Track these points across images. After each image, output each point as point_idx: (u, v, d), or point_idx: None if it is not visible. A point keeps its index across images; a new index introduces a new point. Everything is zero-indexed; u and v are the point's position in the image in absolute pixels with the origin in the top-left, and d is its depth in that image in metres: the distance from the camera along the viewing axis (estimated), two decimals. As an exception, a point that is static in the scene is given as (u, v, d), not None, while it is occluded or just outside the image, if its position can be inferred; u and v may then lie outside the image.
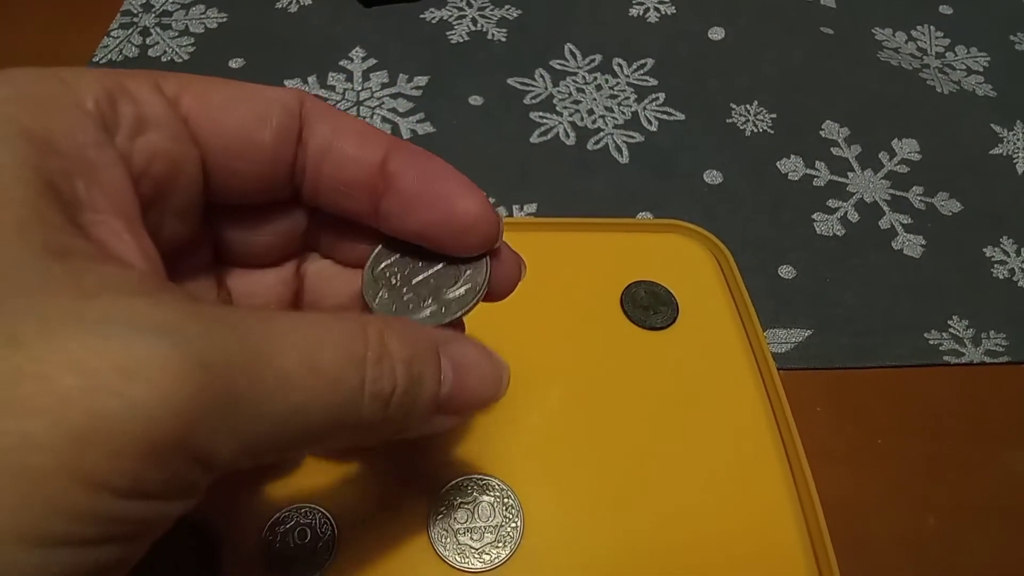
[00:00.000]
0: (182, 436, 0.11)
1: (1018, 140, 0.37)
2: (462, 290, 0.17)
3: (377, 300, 0.18)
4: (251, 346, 0.12)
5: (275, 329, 0.13)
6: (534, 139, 0.36)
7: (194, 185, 0.16)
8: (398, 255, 0.18)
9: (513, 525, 0.22)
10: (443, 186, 0.17)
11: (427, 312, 0.17)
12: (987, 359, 0.29)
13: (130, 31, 0.40)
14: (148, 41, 0.39)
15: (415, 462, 0.23)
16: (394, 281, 0.18)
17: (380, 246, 0.18)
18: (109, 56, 0.38)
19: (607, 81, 0.39)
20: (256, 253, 0.19)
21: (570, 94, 0.38)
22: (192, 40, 0.39)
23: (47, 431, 0.10)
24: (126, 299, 0.11)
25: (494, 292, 0.18)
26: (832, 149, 0.36)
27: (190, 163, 0.15)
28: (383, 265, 0.18)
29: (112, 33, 0.39)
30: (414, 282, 0.18)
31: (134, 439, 0.10)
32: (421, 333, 0.15)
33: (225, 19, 0.41)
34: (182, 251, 0.17)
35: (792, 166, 0.36)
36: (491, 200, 0.32)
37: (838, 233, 0.33)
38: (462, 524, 0.22)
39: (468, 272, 0.17)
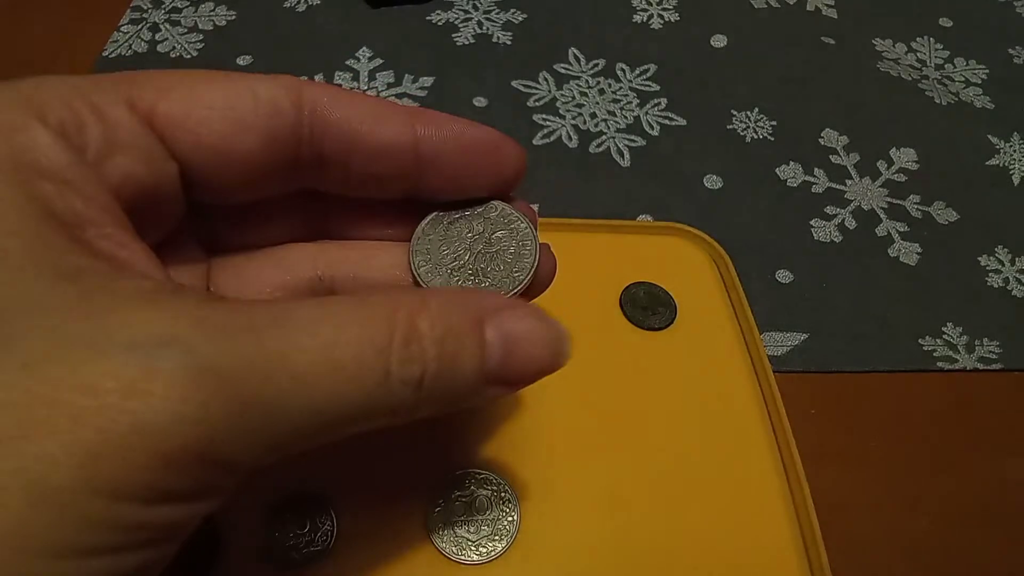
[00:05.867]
0: (197, 445, 0.11)
1: (1014, 151, 0.38)
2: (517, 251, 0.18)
3: (427, 276, 0.18)
4: (264, 349, 0.12)
5: (289, 327, 0.12)
6: (537, 141, 0.36)
7: (172, 200, 0.15)
8: (441, 229, 0.18)
9: (510, 519, 0.23)
10: (475, 144, 0.17)
11: (488, 281, 0.18)
12: (980, 366, 0.30)
13: (140, 27, 0.40)
14: (157, 37, 0.39)
15: (414, 456, 0.24)
16: (446, 252, 0.18)
17: (424, 222, 0.18)
18: (119, 51, 0.38)
19: (610, 86, 0.39)
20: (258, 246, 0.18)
21: (573, 98, 0.38)
22: (201, 37, 0.40)
23: (63, 450, 0.10)
24: (136, 314, 0.11)
25: (538, 280, 0.18)
26: (831, 157, 0.37)
27: (166, 182, 0.14)
28: (429, 239, 0.18)
29: (122, 28, 0.40)
30: (469, 256, 0.18)
31: (147, 452, 0.11)
32: (461, 307, 0.14)
33: (234, 16, 0.41)
34: (162, 251, 0.16)
35: (791, 173, 0.36)
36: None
37: (835, 239, 0.33)
38: (459, 517, 0.22)
39: (518, 239, 0.18)
